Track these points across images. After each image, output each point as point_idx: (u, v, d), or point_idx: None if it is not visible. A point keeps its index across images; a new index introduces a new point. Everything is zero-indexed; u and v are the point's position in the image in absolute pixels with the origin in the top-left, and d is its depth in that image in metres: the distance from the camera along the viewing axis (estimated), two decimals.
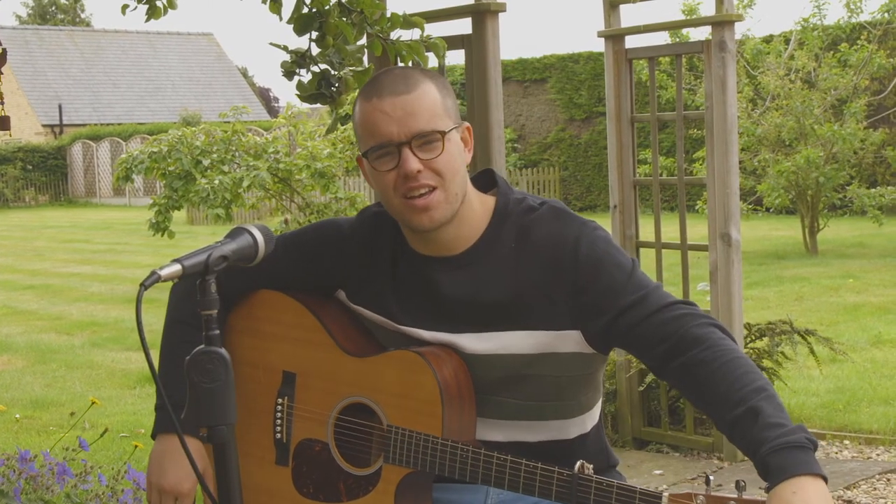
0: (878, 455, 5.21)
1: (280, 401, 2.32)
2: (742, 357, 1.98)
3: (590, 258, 2.11)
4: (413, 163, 2.08)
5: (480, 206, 2.19)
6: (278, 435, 2.32)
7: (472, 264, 2.16)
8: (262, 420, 2.35)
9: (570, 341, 2.13)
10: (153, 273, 1.80)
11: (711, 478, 1.89)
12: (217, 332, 1.83)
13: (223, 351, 1.82)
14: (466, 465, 2.09)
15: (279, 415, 2.32)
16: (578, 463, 2.00)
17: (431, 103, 2.10)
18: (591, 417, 2.28)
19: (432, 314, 2.18)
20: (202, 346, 1.82)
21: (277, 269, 2.31)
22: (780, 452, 1.82)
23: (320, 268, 2.30)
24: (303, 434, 2.29)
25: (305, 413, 2.29)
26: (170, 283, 2.00)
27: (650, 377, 5.24)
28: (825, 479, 1.81)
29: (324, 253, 2.29)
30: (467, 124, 2.20)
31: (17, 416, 6.56)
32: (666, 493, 1.88)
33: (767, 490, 1.82)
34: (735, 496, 1.82)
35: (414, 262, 2.21)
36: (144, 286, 1.78)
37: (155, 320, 11.12)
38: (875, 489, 4.74)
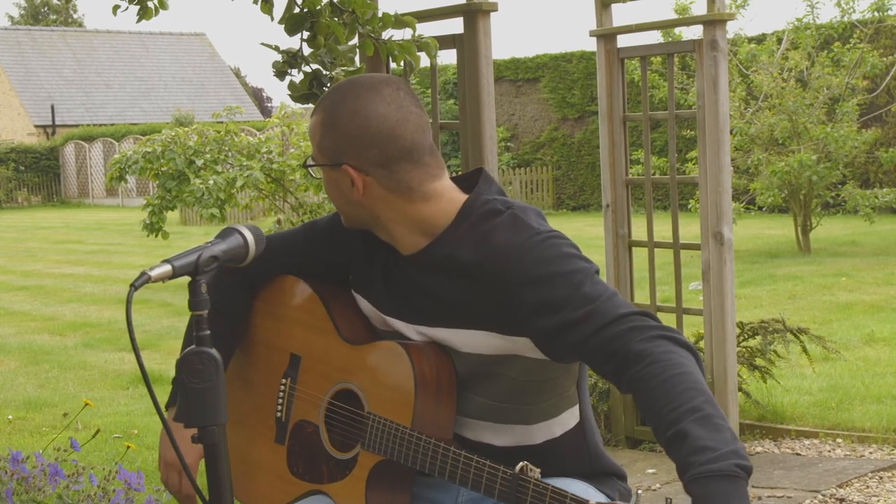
0: (870, 453, 5.22)
1: (284, 381, 2.41)
2: (684, 373, 1.88)
3: (534, 269, 2.08)
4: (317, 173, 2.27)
5: (445, 208, 2.19)
6: (279, 414, 2.41)
7: (430, 264, 2.19)
8: (268, 398, 2.45)
9: (527, 347, 2.13)
10: (143, 274, 1.81)
11: (640, 492, 1.87)
12: (207, 332, 1.84)
13: (213, 351, 1.83)
14: (427, 457, 2.12)
15: (281, 395, 2.41)
16: (521, 464, 1.98)
17: (312, 134, 2.24)
18: (561, 424, 2.26)
19: (408, 307, 2.24)
20: (193, 346, 1.83)
21: (296, 254, 2.42)
22: (701, 481, 1.74)
23: (333, 255, 2.38)
24: (300, 415, 2.37)
25: (304, 395, 2.37)
26: (160, 284, 2.00)
27: None
28: None
29: (336, 240, 2.37)
30: (350, 167, 2.16)
31: (10, 417, 6.54)
32: (593, 501, 1.85)
33: None
34: None
35: (396, 257, 2.27)
36: (135, 287, 1.79)
37: (147, 321, 11.04)
38: (868, 487, 4.74)
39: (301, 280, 2.43)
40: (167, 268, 1.83)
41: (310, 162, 2.25)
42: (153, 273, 1.82)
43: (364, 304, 2.33)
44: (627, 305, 2.04)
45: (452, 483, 2.13)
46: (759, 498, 4.56)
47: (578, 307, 2.02)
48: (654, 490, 4.80)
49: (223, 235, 1.95)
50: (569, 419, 2.28)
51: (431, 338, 2.21)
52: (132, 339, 1.74)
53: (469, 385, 2.20)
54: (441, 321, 2.19)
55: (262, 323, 2.50)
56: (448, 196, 2.21)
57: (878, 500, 4.60)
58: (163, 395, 1.86)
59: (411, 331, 2.23)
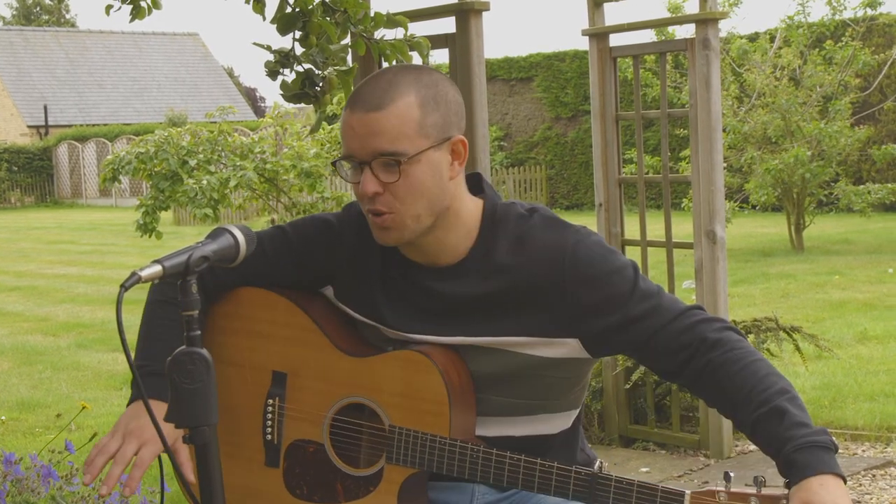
0: (863, 451, 5.23)
1: (270, 402, 2.28)
2: (762, 360, 2.02)
3: (590, 266, 2.09)
4: (370, 185, 2.04)
5: (470, 214, 2.16)
6: (269, 436, 2.29)
7: (467, 275, 2.14)
8: (249, 421, 2.32)
9: (566, 348, 2.13)
10: (133, 274, 1.78)
11: (732, 474, 1.92)
12: (198, 332, 1.82)
13: (204, 351, 1.81)
14: (477, 465, 2.09)
15: (269, 416, 2.29)
16: (597, 462, 2.06)
17: (399, 123, 2.02)
18: (576, 413, 2.29)
19: (427, 320, 2.17)
20: (183, 346, 1.81)
21: (266, 263, 2.28)
22: (808, 450, 1.88)
23: (311, 263, 2.27)
24: (295, 435, 2.27)
25: (298, 414, 2.26)
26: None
27: (636, 375, 5.25)
28: (845, 481, 1.88)
29: (314, 248, 2.26)
30: (460, 137, 2.12)
31: (3, 418, 6.53)
32: (688, 492, 1.93)
33: (788, 486, 1.88)
34: (754, 491, 1.88)
35: (405, 268, 2.19)
36: (125, 287, 1.76)
37: (139, 321, 10.98)
38: (860, 485, 4.75)
39: (270, 291, 2.30)
40: (157, 268, 1.80)
41: (409, 153, 2.03)
42: (143, 273, 1.79)
43: (357, 317, 2.25)
44: (681, 300, 2.13)
45: (514, 488, 2.11)
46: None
47: (640, 302, 2.08)
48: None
49: (214, 235, 1.93)
50: (579, 407, 2.30)
51: (459, 346, 2.15)
52: (122, 341, 1.73)
53: (493, 388, 2.16)
54: (471, 331, 2.14)
55: (229, 342, 2.33)
56: (466, 192, 2.19)
57: (871, 498, 4.61)
58: None
59: (427, 342, 2.16)
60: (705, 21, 4.92)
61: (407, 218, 2.07)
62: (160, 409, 2.05)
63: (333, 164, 2.14)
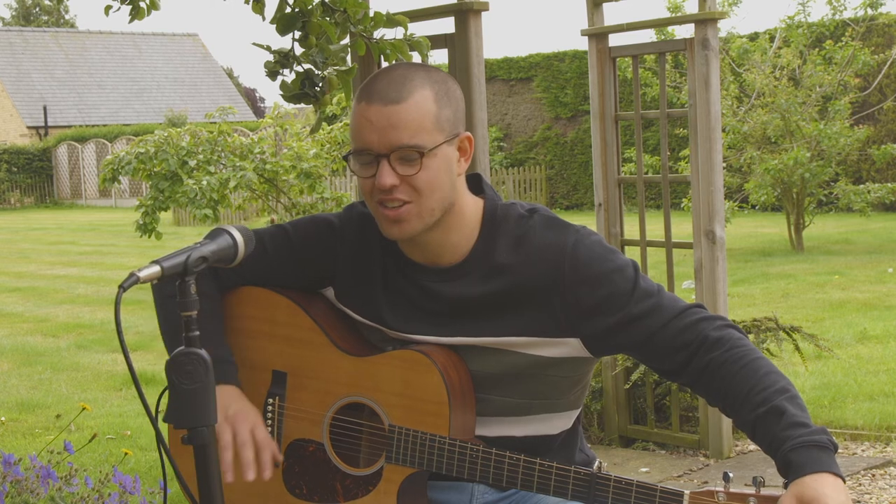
0: (863, 451, 5.23)
1: (271, 401, 2.29)
2: (763, 358, 2.02)
3: (590, 266, 2.09)
4: (388, 178, 2.04)
5: (472, 213, 2.17)
6: None
7: (468, 275, 2.15)
8: None
9: (567, 347, 2.13)
10: (132, 275, 1.78)
11: (731, 475, 1.92)
12: (197, 333, 1.82)
13: (203, 352, 1.81)
14: (476, 465, 2.09)
15: (269, 415, 2.29)
16: (597, 462, 2.07)
17: (419, 116, 2.03)
18: (576, 413, 2.29)
19: (427, 320, 2.17)
20: (182, 347, 1.81)
21: (266, 262, 2.29)
22: (804, 450, 1.87)
23: (311, 262, 2.28)
24: (295, 434, 2.27)
25: (298, 413, 2.27)
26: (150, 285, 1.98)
27: (636, 375, 5.25)
28: (843, 480, 1.87)
29: (315, 248, 2.27)
30: (467, 133, 2.13)
31: (3, 418, 6.53)
32: (687, 492, 1.92)
33: (786, 486, 1.87)
34: (754, 492, 1.87)
35: (406, 269, 2.19)
36: (123, 288, 1.77)
37: (140, 322, 10.98)
38: (860, 485, 4.75)
39: (271, 291, 2.30)
40: (156, 269, 1.81)
41: (427, 146, 2.04)
42: (142, 274, 1.79)
43: (357, 318, 2.25)
44: (681, 298, 2.12)
45: (513, 487, 2.11)
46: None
47: (640, 301, 2.07)
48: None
49: (212, 236, 1.93)
50: (580, 408, 2.30)
51: (452, 347, 2.16)
52: (121, 341, 1.73)
53: (494, 388, 2.16)
54: (472, 332, 2.14)
55: (229, 341, 2.33)
56: (471, 196, 2.19)
57: (871, 498, 4.60)
58: (152, 397, 1.85)
59: (427, 342, 2.17)
60: (705, 21, 4.92)
61: (421, 209, 2.07)
62: (225, 391, 2.18)
63: (345, 158, 2.13)
